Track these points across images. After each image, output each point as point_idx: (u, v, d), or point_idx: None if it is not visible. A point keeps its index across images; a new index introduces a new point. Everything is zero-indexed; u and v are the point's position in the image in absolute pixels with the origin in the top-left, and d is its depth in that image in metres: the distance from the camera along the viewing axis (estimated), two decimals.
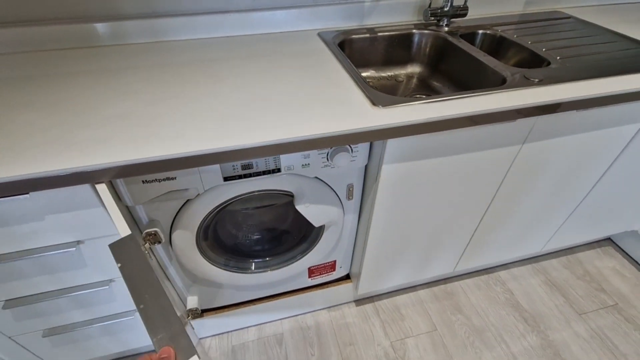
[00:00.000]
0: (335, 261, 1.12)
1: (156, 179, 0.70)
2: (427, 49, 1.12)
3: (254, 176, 0.75)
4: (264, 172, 0.76)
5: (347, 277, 1.24)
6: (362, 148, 0.80)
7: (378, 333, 1.26)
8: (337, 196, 0.90)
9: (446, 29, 1.10)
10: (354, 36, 1.07)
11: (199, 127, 0.67)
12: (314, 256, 1.03)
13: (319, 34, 1.07)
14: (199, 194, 0.76)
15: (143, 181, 0.69)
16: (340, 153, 0.76)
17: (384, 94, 0.76)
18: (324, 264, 1.11)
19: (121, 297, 0.87)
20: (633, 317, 1.31)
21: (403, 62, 1.15)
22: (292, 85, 0.80)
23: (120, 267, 0.53)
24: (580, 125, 0.89)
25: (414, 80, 1.15)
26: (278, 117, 0.70)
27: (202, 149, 0.62)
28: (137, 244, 0.55)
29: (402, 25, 1.12)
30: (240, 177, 0.75)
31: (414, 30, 1.11)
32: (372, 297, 1.37)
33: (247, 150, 0.65)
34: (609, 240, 1.60)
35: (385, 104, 0.73)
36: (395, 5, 1.12)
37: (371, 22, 1.13)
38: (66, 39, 0.95)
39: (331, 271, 1.16)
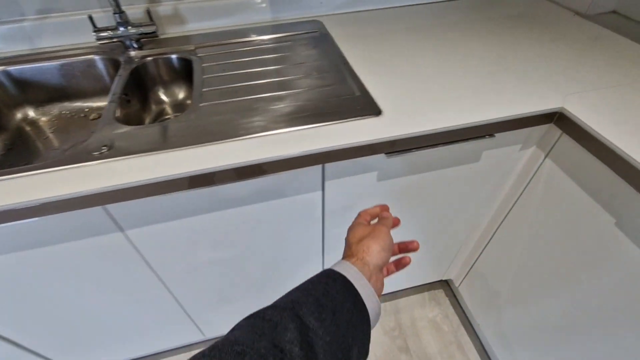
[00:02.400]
0: None
1: None
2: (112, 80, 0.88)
3: None
4: None
5: None
6: None
7: None
8: None
9: (139, 52, 0.86)
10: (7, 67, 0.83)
11: None
12: None
13: None
14: None
15: None
16: None
17: None
18: None
19: None
20: None
21: (91, 95, 0.91)
22: None
23: None
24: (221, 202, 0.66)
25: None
26: None
27: None
28: None
29: (82, 48, 0.88)
30: None
31: (93, 56, 0.86)
32: None
33: None
34: (444, 283, 1.38)
35: None
36: (70, 24, 0.86)
37: (46, 44, 0.88)
38: None
39: None
